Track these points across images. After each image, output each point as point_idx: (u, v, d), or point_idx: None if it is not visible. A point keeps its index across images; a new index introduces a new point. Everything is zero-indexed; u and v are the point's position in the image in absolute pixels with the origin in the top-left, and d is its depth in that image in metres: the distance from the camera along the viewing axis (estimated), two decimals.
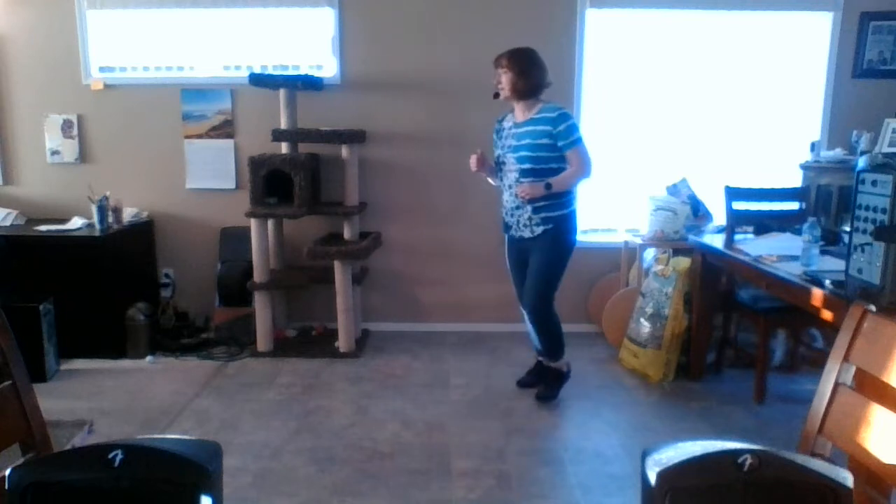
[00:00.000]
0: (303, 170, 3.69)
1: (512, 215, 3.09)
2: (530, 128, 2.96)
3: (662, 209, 3.84)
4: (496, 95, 3.04)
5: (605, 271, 4.18)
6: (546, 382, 3.27)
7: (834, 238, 2.97)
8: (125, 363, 3.73)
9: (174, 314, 4.14)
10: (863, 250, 2.02)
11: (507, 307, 4.11)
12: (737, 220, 3.51)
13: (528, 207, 3.00)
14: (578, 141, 2.94)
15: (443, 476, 2.53)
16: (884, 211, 1.94)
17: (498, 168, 3.12)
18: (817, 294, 2.35)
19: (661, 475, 0.93)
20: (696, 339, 3.46)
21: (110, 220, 3.86)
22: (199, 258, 4.24)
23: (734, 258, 3.01)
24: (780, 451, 0.96)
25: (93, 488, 0.95)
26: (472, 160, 3.08)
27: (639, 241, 3.88)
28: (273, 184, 3.75)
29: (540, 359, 3.35)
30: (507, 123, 3.10)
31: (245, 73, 3.86)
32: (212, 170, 4.18)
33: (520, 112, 3.03)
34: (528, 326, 3.22)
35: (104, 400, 3.22)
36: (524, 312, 3.19)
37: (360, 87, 4.08)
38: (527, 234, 3.05)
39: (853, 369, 1.31)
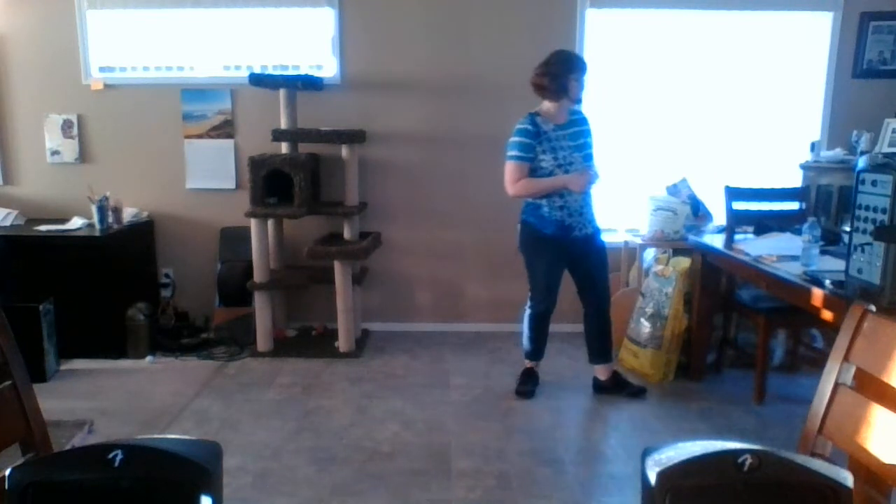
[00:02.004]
0: (303, 170, 3.69)
1: (581, 214, 3.10)
2: (577, 128, 3.11)
3: (662, 209, 3.84)
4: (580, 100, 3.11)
5: None
6: (620, 382, 3.29)
7: (834, 238, 2.96)
8: (125, 363, 3.73)
9: (174, 314, 4.14)
10: (863, 250, 2.03)
11: (507, 307, 4.11)
12: (737, 220, 3.51)
13: (591, 202, 3.14)
14: None
15: (443, 476, 2.53)
16: (884, 211, 1.94)
17: (564, 171, 3.04)
18: (817, 294, 2.35)
19: (661, 475, 0.92)
20: (696, 339, 3.46)
21: (110, 220, 3.86)
22: (199, 258, 4.24)
23: (734, 258, 3.00)
24: (780, 451, 0.96)
25: (93, 488, 0.95)
26: (583, 179, 3.03)
27: (639, 241, 3.88)
28: (273, 184, 3.75)
29: (531, 364, 3.36)
30: (545, 127, 3.04)
31: (245, 73, 3.86)
32: (212, 170, 4.18)
33: (560, 114, 3.07)
34: (525, 328, 3.25)
35: (104, 400, 3.22)
36: (546, 313, 3.20)
37: (360, 87, 4.08)
38: (590, 230, 3.15)
39: (853, 369, 1.31)
